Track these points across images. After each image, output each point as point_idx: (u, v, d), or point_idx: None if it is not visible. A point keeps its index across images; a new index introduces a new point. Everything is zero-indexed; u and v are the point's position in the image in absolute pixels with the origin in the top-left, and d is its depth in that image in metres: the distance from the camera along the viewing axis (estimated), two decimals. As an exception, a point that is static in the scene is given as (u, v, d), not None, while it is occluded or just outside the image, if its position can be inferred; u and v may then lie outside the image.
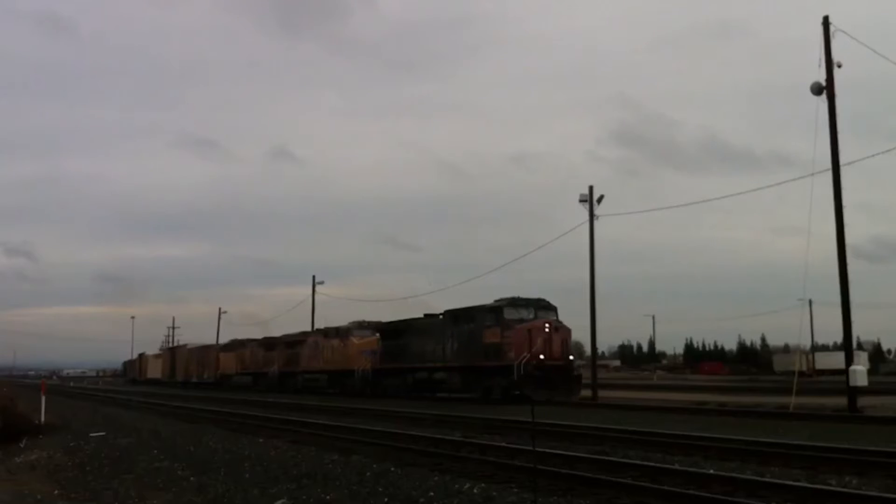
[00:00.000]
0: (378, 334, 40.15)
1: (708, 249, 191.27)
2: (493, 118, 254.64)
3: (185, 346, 76.75)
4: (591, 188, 36.09)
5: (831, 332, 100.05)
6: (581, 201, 35.96)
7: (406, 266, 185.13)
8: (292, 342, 50.47)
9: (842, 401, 22.79)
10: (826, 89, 22.95)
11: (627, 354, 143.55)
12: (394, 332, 38.18)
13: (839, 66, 23.03)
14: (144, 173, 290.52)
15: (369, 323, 42.81)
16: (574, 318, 44.92)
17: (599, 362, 57.57)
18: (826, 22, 22.95)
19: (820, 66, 22.96)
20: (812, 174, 23.64)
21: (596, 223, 35.51)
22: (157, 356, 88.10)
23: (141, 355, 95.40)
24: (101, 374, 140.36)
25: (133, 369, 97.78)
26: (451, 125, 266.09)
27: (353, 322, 43.72)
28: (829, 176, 22.95)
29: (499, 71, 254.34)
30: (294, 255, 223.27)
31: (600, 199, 35.74)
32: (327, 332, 45.72)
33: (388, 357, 37.84)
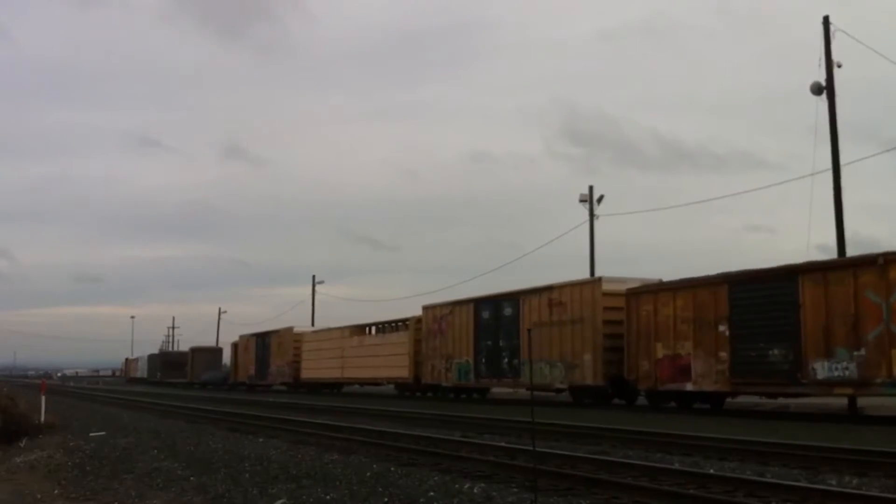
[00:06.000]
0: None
1: (698, 249, 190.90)
2: (452, 120, 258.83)
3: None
4: (591, 188, 36.16)
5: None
6: (581, 201, 36.05)
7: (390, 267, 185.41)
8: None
9: (842, 400, 22.78)
10: (826, 89, 22.99)
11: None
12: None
13: (839, 66, 23.08)
14: (142, 174, 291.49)
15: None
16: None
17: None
18: (826, 22, 22.96)
19: (820, 65, 23.03)
20: (812, 174, 23.75)
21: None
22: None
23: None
24: (113, 373, 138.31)
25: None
26: (410, 128, 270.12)
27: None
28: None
29: (466, 76, 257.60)
30: (291, 257, 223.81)
31: (600, 199, 35.81)
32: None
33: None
